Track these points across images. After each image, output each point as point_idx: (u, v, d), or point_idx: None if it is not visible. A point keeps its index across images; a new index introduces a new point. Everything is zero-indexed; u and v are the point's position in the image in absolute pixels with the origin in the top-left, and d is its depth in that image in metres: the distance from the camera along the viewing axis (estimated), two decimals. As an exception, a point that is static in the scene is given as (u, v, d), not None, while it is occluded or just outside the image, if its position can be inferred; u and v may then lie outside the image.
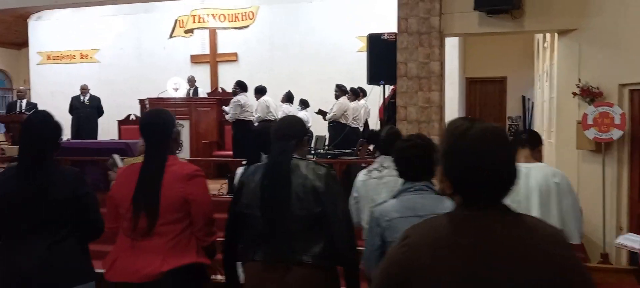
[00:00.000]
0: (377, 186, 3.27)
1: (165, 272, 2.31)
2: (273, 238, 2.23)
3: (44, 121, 2.59)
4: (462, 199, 1.35)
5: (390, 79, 6.65)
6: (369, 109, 9.50)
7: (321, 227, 2.27)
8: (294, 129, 2.45)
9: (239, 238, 2.41)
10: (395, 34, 6.59)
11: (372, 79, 6.81)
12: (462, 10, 6.24)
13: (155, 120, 2.51)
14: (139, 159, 3.26)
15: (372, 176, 3.32)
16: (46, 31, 13.41)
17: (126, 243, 2.39)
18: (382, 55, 6.64)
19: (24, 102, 10.26)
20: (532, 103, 11.13)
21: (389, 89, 7.02)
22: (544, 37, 7.94)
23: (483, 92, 11.85)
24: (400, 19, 6.41)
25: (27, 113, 9.59)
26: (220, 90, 11.91)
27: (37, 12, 12.90)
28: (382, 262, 1.38)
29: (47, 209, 2.45)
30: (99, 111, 10.75)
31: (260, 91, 9.34)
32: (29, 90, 14.07)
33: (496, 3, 5.87)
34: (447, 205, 2.20)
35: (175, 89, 9.24)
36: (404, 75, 6.41)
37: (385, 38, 6.72)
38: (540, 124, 9.07)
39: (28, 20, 13.49)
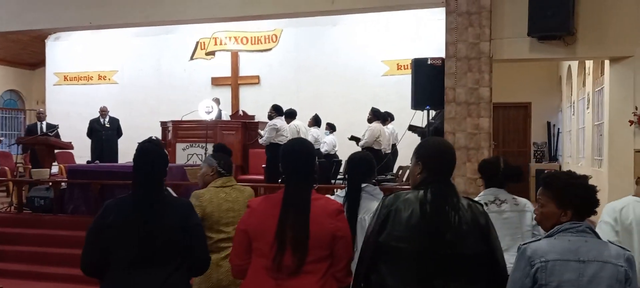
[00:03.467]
0: (495, 221, 2.94)
1: None
2: (436, 278, 2.05)
3: (157, 149, 2.55)
4: None
5: (436, 103, 6.53)
6: (397, 134, 9.36)
7: (479, 266, 2.12)
8: (454, 159, 2.24)
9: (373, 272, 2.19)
10: (441, 58, 6.50)
11: (417, 104, 6.66)
12: (512, 35, 6.18)
13: (304, 149, 2.35)
14: (210, 191, 3.10)
15: (491, 210, 3.10)
16: (64, 52, 13.29)
17: (267, 282, 2.21)
18: (427, 80, 6.53)
19: (44, 123, 10.10)
20: (558, 129, 11.05)
21: (433, 114, 6.89)
22: (583, 63, 7.88)
23: (506, 117, 11.75)
24: (448, 44, 6.33)
25: (49, 134, 9.40)
26: (241, 112, 11.79)
27: (55, 32, 12.77)
28: None
29: (159, 239, 2.40)
30: (119, 132, 10.62)
31: (290, 115, 9.22)
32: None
33: (551, 28, 5.79)
34: (613, 251, 2.05)
35: (207, 112, 9.07)
36: (452, 101, 6.31)
37: (430, 63, 6.62)
38: (574, 152, 8.96)
39: (46, 40, 13.37)
